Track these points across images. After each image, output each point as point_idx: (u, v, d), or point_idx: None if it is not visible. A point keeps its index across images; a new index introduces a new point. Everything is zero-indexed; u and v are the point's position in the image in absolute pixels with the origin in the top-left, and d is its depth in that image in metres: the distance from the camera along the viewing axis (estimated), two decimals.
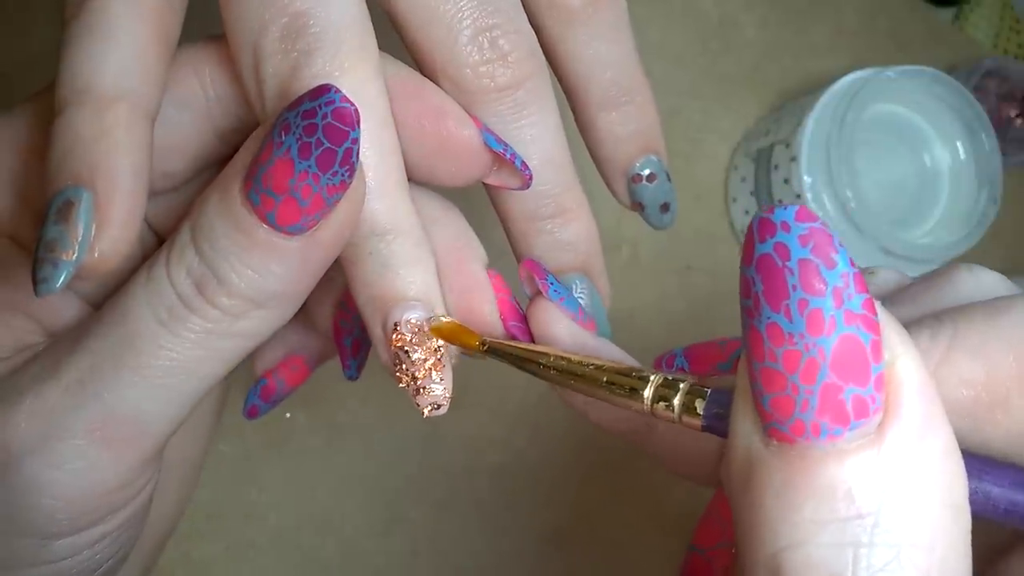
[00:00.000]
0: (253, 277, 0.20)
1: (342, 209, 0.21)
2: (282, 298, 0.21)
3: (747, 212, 0.52)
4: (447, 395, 0.23)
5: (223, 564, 0.44)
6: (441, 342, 0.23)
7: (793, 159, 0.48)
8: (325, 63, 0.21)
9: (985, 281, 0.20)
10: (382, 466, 0.46)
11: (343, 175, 0.20)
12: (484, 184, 0.25)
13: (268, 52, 0.21)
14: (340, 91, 0.19)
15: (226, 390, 0.31)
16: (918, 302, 0.20)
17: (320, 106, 0.19)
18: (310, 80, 0.21)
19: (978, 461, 0.17)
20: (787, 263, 0.14)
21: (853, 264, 0.14)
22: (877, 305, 0.15)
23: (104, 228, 0.19)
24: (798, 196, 0.48)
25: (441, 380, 0.23)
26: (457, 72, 0.24)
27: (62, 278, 0.19)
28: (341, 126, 0.19)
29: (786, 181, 0.48)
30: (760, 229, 0.14)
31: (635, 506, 0.48)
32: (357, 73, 0.22)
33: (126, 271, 0.24)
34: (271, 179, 0.19)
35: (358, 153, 0.20)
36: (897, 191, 0.52)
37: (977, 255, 0.51)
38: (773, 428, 0.15)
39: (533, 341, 0.24)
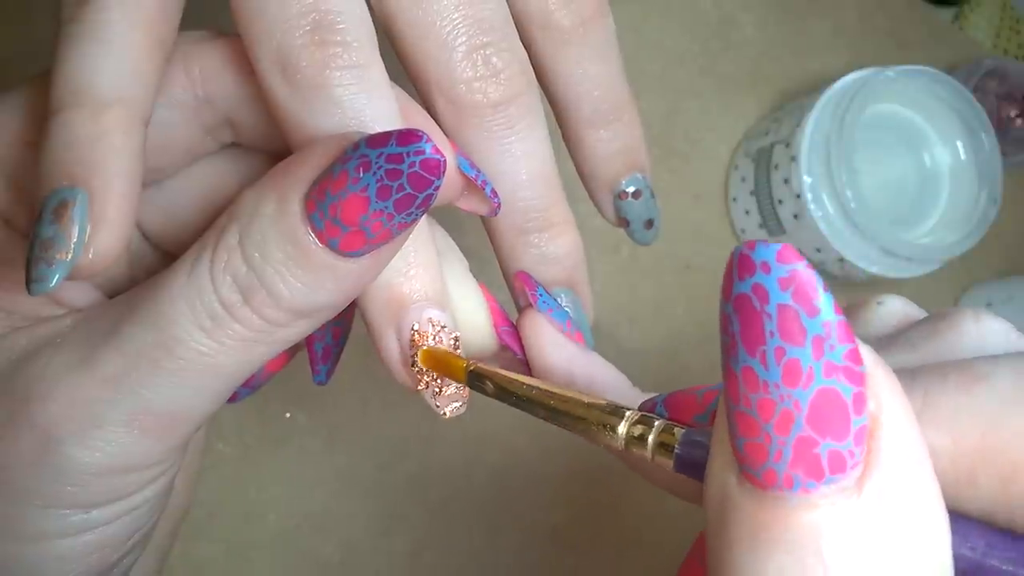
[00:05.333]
0: (305, 292, 0.20)
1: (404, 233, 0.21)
2: (329, 310, 0.22)
3: (747, 212, 0.52)
4: (466, 393, 0.23)
5: (223, 564, 0.44)
6: (456, 336, 0.23)
7: (793, 159, 0.48)
8: (361, 55, 0.22)
9: (989, 332, 0.20)
10: (382, 466, 0.46)
11: (416, 215, 0.20)
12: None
13: (298, 45, 0.22)
14: (431, 140, 0.19)
15: None
16: (917, 349, 0.20)
17: (408, 154, 0.19)
18: (347, 72, 0.22)
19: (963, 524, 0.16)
20: (765, 307, 0.13)
21: (839, 311, 0.13)
22: (866, 352, 0.14)
23: (99, 229, 0.20)
24: (798, 196, 0.48)
25: None
26: (451, 87, 0.24)
27: (56, 277, 0.19)
28: (427, 176, 0.19)
29: (786, 181, 0.48)
30: (739, 266, 0.13)
31: (635, 506, 0.48)
32: (382, 68, 0.23)
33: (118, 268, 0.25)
34: (340, 211, 0.19)
35: (436, 197, 0.20)
36: (897, 191, 0.52)
37: (977, 255, 0.51)
38: (747, 472, 0.14)
39: (523, 350, 0.25)
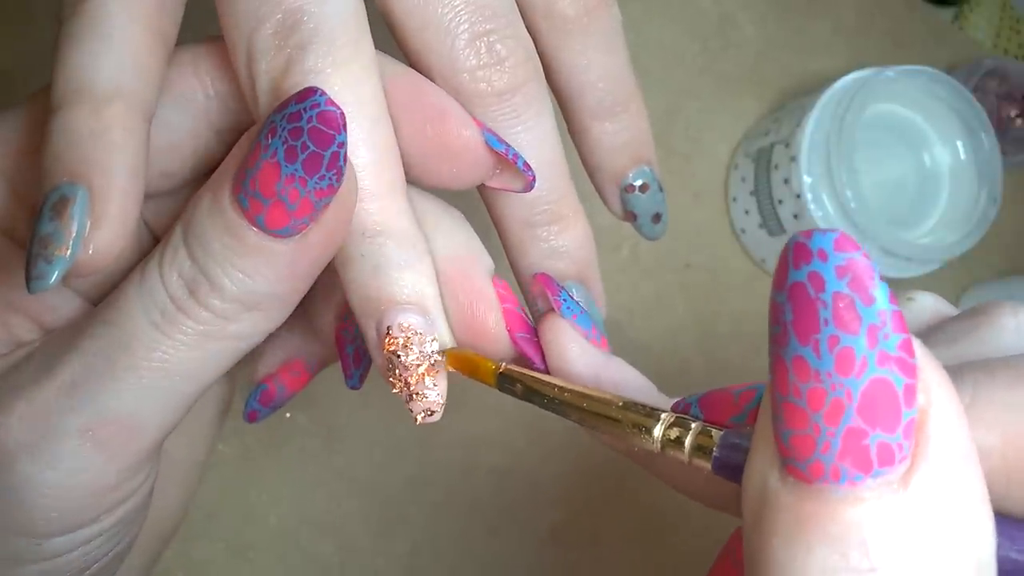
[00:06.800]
0: (244, 280, 0.20)
1: (332, 211, 0.20)
2: (273, 300, 0.21)
3: (747, 212, 0.52)
4: (440, 401, 0.23)
5: (223, 564, 0.44)
6: (436, 347, 0.22)
7: (793, 159, 0.48)
8: (318, 59, 0.21)
9: None
10: (382, 467, 0.46)
11: (330, 179, 0.20)
12: (483, 188, 0.25)
13: (262, 48, 0.21)
14: (325, 94, 0.19)
15: (231, 391, 0.31)
16: (956, 344, 0.20)
17: (305, 109, 0.19)
18: (302, 76, 0.21)
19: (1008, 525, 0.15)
20: (820, 295, 0.13)
21: (894, 300, 0.13)
22: (917, 345, 0.14)
23: (99, 225, 0.19)
24: (798, 196, 0.48)
25: (435, 385, 0.23)
26: (454, 76, 0.23)
27: (55, 275, 0.19)
28: (326, 129, 0.19)
29: (786, 181, 0.48)
30: (795, 254, 0.13)
31: (635, 505, 0.48)
32: (351, 70, 0.22)
33: (123, 270, 0.24)
34: (258, 183, 0.19)
35: (345, 157, 0.20)
36: (897, 191, 0.52)
37: (977, 255, 0.51)
38: (791, 465, 0.14)
39: (542, 355, 0.24)
